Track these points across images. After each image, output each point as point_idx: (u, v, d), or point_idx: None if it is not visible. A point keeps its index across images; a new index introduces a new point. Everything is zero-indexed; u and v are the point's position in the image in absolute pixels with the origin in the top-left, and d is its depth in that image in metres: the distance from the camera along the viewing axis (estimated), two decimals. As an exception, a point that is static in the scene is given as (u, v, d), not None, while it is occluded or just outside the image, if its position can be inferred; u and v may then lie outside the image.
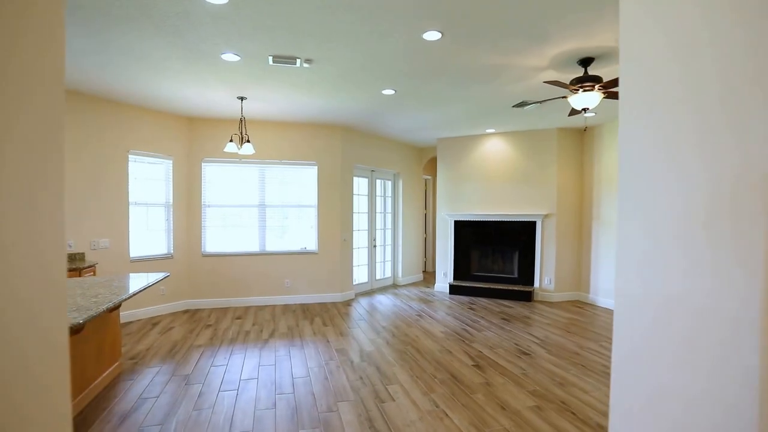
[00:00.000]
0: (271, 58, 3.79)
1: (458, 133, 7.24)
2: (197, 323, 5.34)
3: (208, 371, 3.74)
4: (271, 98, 5.09)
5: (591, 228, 6.69)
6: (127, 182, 5.33)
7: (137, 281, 3.35)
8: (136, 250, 5.49)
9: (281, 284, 6.56)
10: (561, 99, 5.10)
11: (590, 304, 6.53)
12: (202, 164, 6.18)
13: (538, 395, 3.29)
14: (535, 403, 3.15)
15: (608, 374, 3.71)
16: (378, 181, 8.04)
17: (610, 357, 4.18)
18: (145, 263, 5.54)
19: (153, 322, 5.37)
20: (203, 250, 6.22)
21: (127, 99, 5.08)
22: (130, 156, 5.38)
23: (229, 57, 3.74)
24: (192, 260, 6.16)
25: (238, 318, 5.62)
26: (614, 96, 4.13)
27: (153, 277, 3.51)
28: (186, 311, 5.97)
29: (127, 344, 4.45)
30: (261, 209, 6.51)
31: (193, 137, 6.12)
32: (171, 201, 5.88)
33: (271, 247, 6.57)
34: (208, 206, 6.26)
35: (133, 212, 5.45)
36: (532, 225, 6.92)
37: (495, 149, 7.22)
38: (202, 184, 6.19)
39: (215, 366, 3.87)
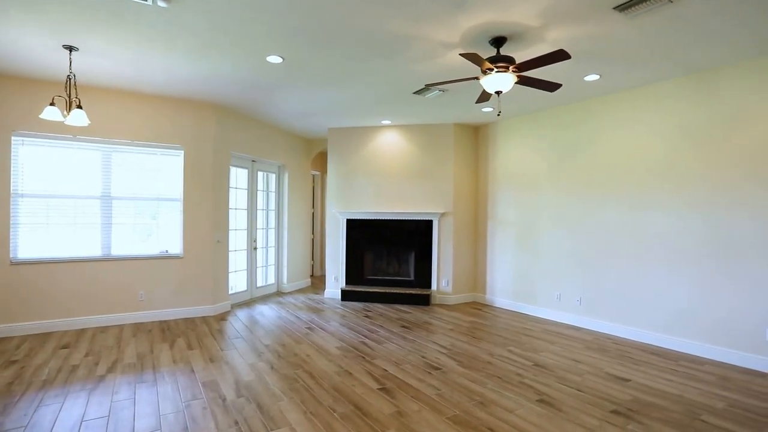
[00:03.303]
0: (106, -18, 2.67)
1: (351, 123, 6.58)
2: (-5, 359, 3.79)
3: (-9, 439, 2.46)
4: (116, 53, 3.83)
5: (486, 227, 6.55)
6: None
7: None
8: None
9: (133, 297, 5.16)
10: (467, 83, 4.76)
11: (488, 305, 6.37)
12: (12, 139, 4.53)
13: (460, 422, 2.73)
14: (458, 434, 2.59)
15: (526, 385, 3.34)
16: (260, 174, 6.99)
17: (522, 364, 3.87)
18: None
19: None
20: (12, 256, 4.57)
21: None
22: None
23: (35, -32, 2.53)
24: (-6, 270, 4.48)
25: (65, 347, 4.17)
26: (527, 81, 3.84)
27: None
28: (-18, 341, 4.30)
29: None
30: (105, 202, 5.05)
31: (-3, 101, 4.46)
32: (-43, 188, 4.17)
33: (119, 251, 5.13)
34: (22, 196, 4.62)
35: None
36: (428, 224, 6.55)
37: (390, 142, 6.71)
38: (12, 165, 4.54)
39: (5, 431, 2.58)
